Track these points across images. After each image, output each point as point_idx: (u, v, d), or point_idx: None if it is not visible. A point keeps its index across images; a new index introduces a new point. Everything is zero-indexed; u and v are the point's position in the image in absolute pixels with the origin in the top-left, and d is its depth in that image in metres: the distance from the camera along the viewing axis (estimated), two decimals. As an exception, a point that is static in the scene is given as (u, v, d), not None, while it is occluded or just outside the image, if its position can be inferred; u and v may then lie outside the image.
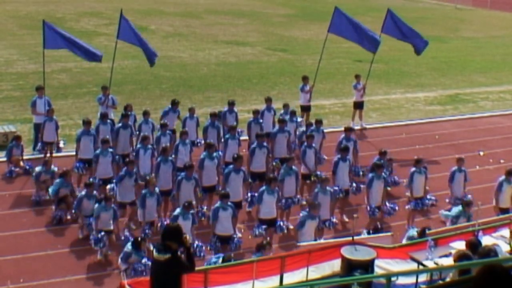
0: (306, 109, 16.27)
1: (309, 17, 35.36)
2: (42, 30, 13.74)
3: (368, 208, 11.11)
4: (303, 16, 35.95)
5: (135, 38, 14.44)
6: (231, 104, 14.30)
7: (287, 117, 13.70)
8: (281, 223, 10.69)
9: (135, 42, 14.59)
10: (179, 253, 6.46)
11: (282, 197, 10.95)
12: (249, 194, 11.38)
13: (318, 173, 12.10)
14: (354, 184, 12.03)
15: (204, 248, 9.85)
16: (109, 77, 14.83)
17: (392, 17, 16.36)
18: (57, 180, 11.47)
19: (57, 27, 14.50)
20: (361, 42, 16.21)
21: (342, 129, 13.57)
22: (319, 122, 13.38)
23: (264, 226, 10.29)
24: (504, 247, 8.08)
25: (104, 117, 13.23)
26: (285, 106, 14.64)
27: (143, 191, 10.35)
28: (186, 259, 6.45)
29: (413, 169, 11.56)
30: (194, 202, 10.39)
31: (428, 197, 11.79)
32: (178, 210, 9.89)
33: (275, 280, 7.88)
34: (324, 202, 10.54)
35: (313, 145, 12.34)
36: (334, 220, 10.87)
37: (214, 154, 11.64)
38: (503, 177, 11.26)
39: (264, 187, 10.47)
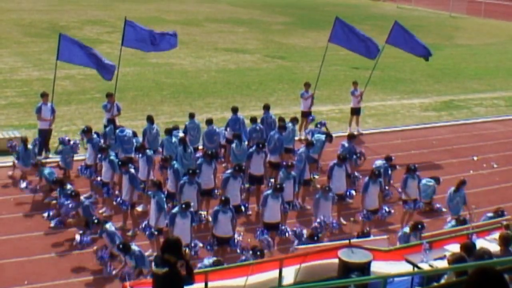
0: (306, 115, 16.64)
1: (307, 25, 35.68)
2: (58, 42, 14.01)
3: (364, 212, 11.41)
4: (301, 24, 36.25)
5: (142, 43, 14.64)
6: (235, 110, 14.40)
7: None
8: (283, 227, 10.86)
9: (141, 47, 14.75)
10: (178, 265, 6.39)
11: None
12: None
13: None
14: (349, 191, 12.21)
15: (198, 247, 10.04)
16: (111, 84, 15.11)
17: (400, 28, 16.46)
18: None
19: (73, 38, 14.68)
20: (360, 50, 16.41)
21: (339, 134, 13.93)
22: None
23: (266, 231, 10.46)
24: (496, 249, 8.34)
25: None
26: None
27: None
28: (186, 272, 6.43)
29: (405, 175, 11.93)
30: (192, 204, 10.39)
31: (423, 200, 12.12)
32: (176, 209, 10.02)
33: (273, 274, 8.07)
34: (326, 207, 10.87)
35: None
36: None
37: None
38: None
39: (269, 192, 10.77)
